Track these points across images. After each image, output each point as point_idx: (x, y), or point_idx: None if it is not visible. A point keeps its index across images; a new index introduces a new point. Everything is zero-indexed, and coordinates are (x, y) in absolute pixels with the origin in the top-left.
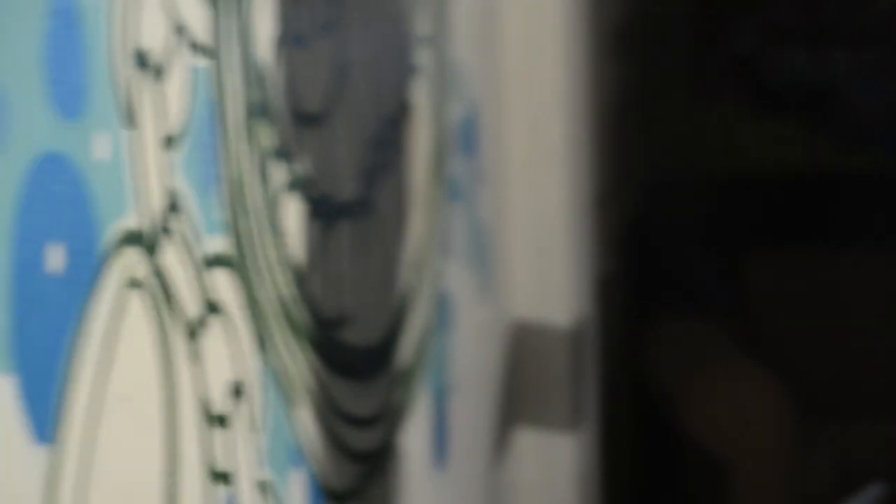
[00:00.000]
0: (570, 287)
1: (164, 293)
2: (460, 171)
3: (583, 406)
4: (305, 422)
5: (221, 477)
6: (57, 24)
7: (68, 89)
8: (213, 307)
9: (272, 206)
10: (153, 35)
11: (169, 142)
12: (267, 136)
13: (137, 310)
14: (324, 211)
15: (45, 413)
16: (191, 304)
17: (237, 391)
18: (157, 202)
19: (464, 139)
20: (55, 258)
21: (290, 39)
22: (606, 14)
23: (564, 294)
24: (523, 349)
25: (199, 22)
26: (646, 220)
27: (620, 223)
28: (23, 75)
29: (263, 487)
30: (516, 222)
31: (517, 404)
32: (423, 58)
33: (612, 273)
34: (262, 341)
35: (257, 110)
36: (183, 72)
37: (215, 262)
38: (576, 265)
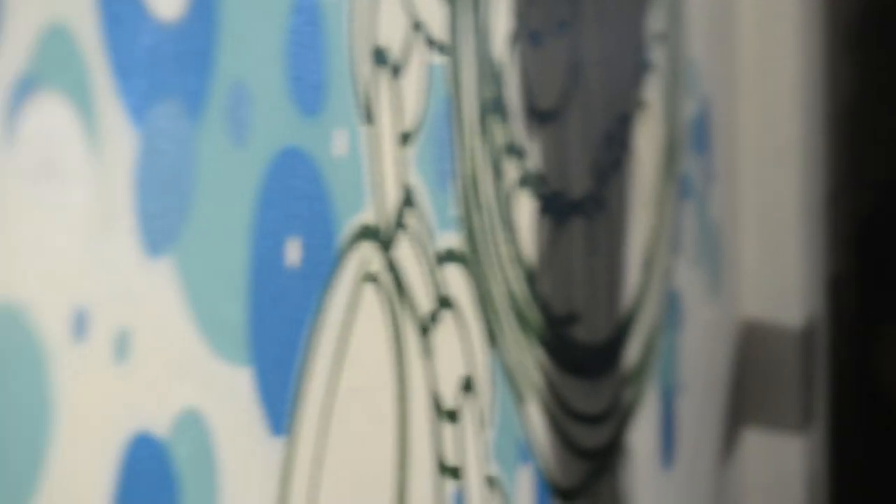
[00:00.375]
0: (801, 287)
1: (398, 288)
2: (692, 168)
3: (812, 407)
4: (534, 418)
5: (451, 471)
6: (299, 20)
7: (308, 85)
8: (445, 302)
9: (505, 203)
10: (391, 32)
11: (405, 138)
12: (501, 133)
13: (372, 304)
14: (555, 208)
15: (281, 405)
16: (423, 299)
17: (467, 386)
18: (392, 198)
19: (696, 136)
20: (293, 252)
21: (526, 36)
22: (842, 9)
23: (795, 294)
24: (753, 349)
25: (436, 19)
26: (879, 218)
27: (853, 222)
28: (265, 71)
29: (491, 482)
30: (747, 221)
31: (746, 404)
32: (656, 55)
33: (844, 273)
34: (493, 337)
35: (492, 107)
36: (420, 68)
37: (448, 257)
38: (807, 264)
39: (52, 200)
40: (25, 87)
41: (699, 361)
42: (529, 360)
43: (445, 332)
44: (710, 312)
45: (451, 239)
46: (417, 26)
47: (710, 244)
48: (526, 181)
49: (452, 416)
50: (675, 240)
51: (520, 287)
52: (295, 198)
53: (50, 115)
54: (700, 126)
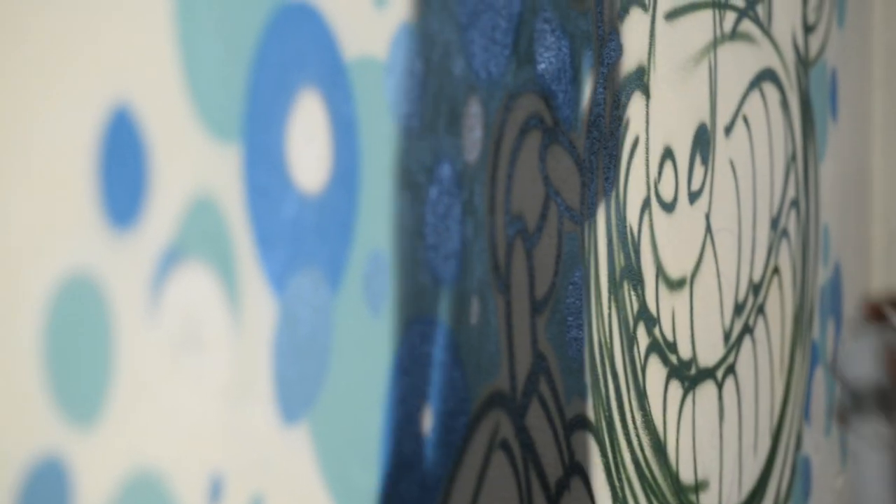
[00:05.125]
0: None
1: (528, 454)
2: (822, 335)
3: None
4: None
5: None
6: (435, 191)
7: (443, 255)
8: (574, 469)
9: (636, 370)
10: (528, 200)
11: (538, 306)
12: (633, 300)
13: (502, 470)
14: (685, 374)
15: None
16: (553, 466)
17: None
18: (524, 365)
19: (829, 302)
20: (426, 419)
21: (658, 204)
22: None
23: None
24: None
25: (570, 187)
26: None
27: None
28: (402, 241)
29: None
30: None
31: None
32: (789, 222)
33: None
34: (616, 498)
35: (625, 274)
36: (554, 236)
37: (578, 423)
38: None
39: (193, 368)
40: (171, 258)
41: None
42: None
43: (574, 499)
44: (840, 482)
45: (581, 406)
46: (553, 194)
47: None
48: (657, 348)
49: None
50: (805, 406)
51: (648, 453)
52: (429, 365)
53: (193, 284)
54: (833, 292)
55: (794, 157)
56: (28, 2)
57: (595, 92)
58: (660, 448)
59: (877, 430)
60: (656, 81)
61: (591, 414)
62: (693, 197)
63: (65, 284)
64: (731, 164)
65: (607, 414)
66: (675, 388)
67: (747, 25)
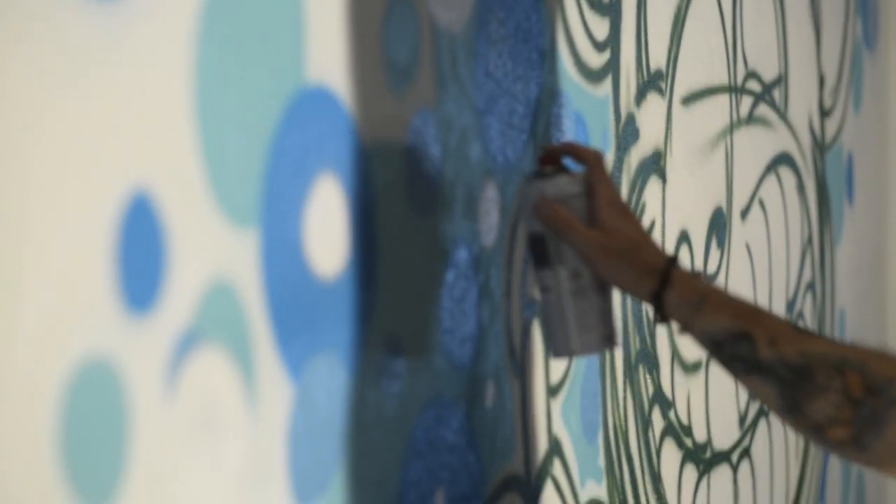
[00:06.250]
0: None
1: None
2: None
3: None
4: None
5: None
6: (451, 275)
7: (459, 338)
8: None
9: (651, 453)
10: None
11: (554, 389)
12: (649, 384)
13: None
14: (701, 458)
15: None
16: None
17: None
18: (539, 448)
19: None
20: (440, 502)
21: None
22: None
23: None
24: None
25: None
26: None
27: None
28: (418, 325)
29: None
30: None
31: None
32: (805, 305)
33: None
34: None
35: (640, 357)
36: None
37: None
38: None
39: (209, 453)
40: (188, 342)
41: None
42: None
43: None
44: None
45: (596, 489)
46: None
47: (856, 498)
48: (672, 431)
49: None
50: (820, 491)
51: None
52: (443, 449)
53: (210, 368)
54: None
55: (810, 241)
56: (52, 88)
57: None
58: None
59: (538, 276)
60: (673, 165)
61: (605, 497)
62: (709, 280)
63: (82, 369)
64: (748, 247)
65: (622, 497)
66: (690, 472)
67: (764, 110)
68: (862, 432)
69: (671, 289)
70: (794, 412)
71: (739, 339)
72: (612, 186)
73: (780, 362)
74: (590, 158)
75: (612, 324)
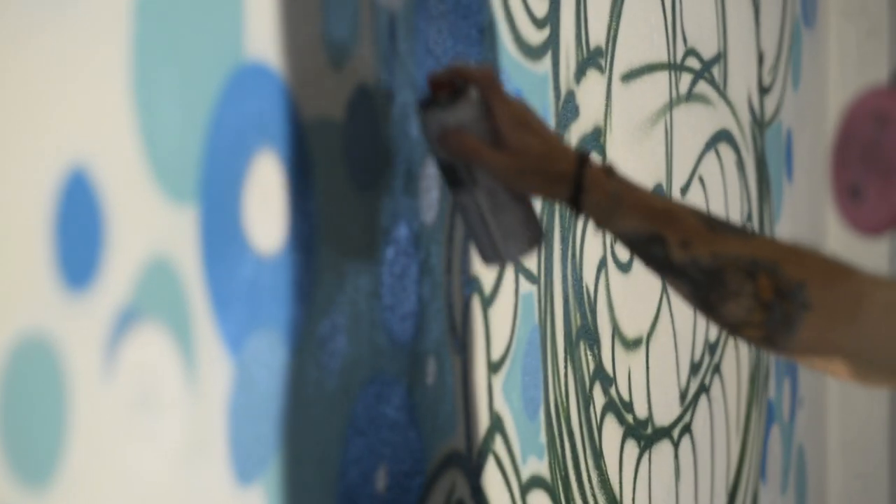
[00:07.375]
0: None
1: None
2: (778, 394)
3: None
4: None
5: None
6: (392, 251)
7: (400, 315)
8: None
9: (592, 430)
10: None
11: (495, 366)
12: (590, 360)
13: None
14: (641, 434)
15: None
16: None
17: None
18: (480, 425)
19: (784, 361)
20: (381, 479)
21: (614, 263)
22: None
23: None
24: None
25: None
26: None
27: None
28: (359, 302)
29: None
30: (834, 447)
31: None
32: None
33: None
34: None
35: (581, 334)
36: (510, 297)
37: (534, 483)
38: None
39: (148, 431)
40: (126, 319)
41: None
42: None
43: None
44: None
45: (537, 465)
46: None
47: (796, 471)
48: (613, 407)
49: None
50: (761, 466)
51: None
52: (384, 426)
53: (149, 345)
54: None
55: (749, 217)
56: None
57: None
58: None
59: (455, 198)
60: (613, 142)
61: (546, 474)
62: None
63: (20, 348)
64: None
65: (563, 473)
66: (632, 448)
67: (703, 87)
68: (774, 333)
69: (585, 194)
70: (708, 312)
71: (653, 242)
72: (509, 101)
73: (692, 265)
74: (481, 79)
75: (536, 224)
